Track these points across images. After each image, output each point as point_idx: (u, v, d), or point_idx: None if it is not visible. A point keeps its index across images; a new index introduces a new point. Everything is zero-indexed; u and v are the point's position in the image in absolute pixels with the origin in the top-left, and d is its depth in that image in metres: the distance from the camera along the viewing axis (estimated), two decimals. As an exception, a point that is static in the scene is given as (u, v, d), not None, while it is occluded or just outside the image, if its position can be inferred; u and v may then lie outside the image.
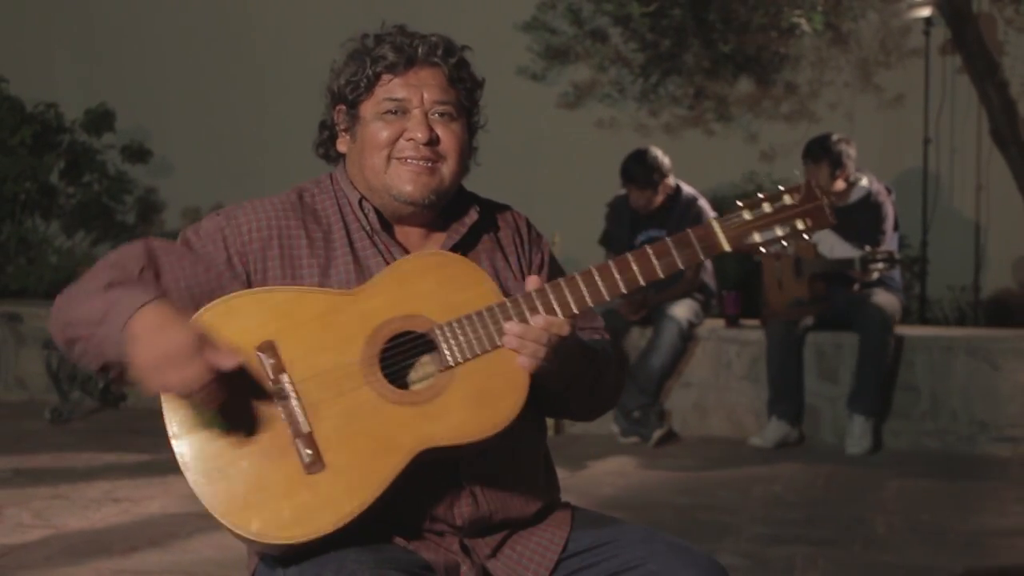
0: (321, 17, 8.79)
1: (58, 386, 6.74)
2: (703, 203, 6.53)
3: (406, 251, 2.18)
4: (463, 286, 2.06)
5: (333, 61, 2.23)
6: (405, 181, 2.14)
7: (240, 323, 2.01)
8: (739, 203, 2.11)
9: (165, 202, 9.56)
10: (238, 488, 1.95)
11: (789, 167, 7.37)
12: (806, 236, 2.12)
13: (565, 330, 2.03)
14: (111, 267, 2.07)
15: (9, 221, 8.47)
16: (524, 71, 8.99)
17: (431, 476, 2.05)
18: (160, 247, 2.12)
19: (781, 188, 2.12)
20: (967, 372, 6.16)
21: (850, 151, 6.26)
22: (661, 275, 2.07)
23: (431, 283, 2.05)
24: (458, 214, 2.23)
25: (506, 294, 2.09)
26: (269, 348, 1.99)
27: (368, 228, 2.17)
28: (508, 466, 2.12)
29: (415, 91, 2.14)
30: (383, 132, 2.14)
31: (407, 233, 2.20)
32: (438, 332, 2.02)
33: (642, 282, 2.07)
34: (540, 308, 2.04)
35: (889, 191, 6.38)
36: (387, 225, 2.19)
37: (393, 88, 2.15)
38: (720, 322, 6.67)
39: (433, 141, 2.14)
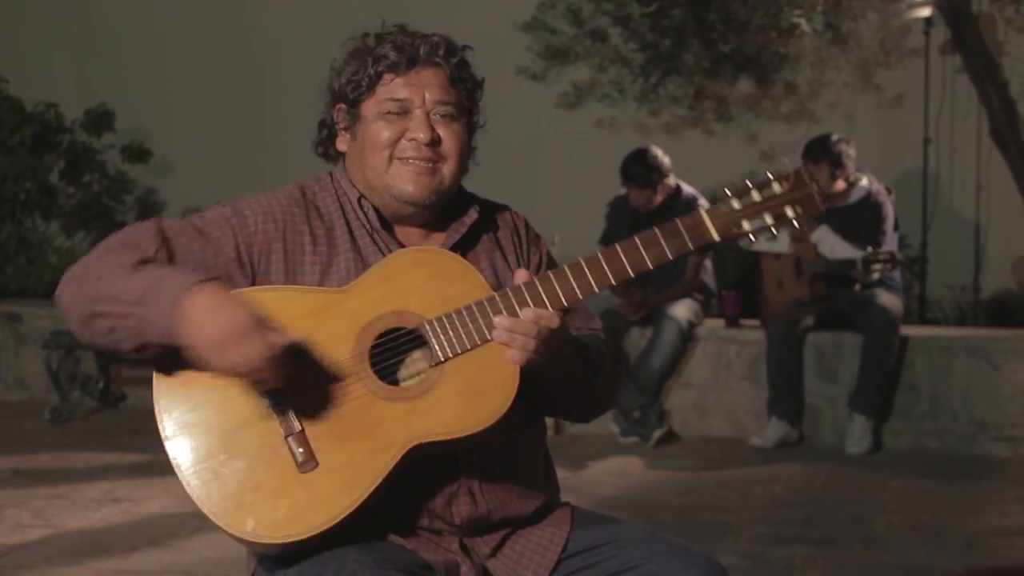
0: (321, 17, 8.80)
1: (58, 386, 6.73)
2: (703, 203, 6.53)
3: (405, 250, 2.18)
4: (452, 281, 2.06)
5: (333, 60, 2.23)
6: (406, 181, 2.14)
7: None
8: (727, 192, 2.08)
9: (165, 202, 9.55)
10: (232, 488, 1.95)
11: (789, 167, 7.35)
12: (796, 224, 2.08)
13: (555, 323, 2.02)
14: (125, 244, 2.04)
15: (9, 221, 8.46)
16: (524, 71, 8.99)
17: (429, 474, 2.05)
18: (171, 228, 2.10)
19: (770, 176, 2.09)
20: (967, 372, 6.15)
21: (850, 151, 6.26)
22: (650, 266, 2.05)
23: (420, 278, 2.05)
24: (457, 214, 2.23)
25: (504, 293, 2.09)
26: None
27: (368, 226, 2.17)
28: (507, 465, 2.12)
29: (417, 91, 2.14)
30: (385, 132, 2.14)
31: (407, 232, 2.20)
32: (428, 327, 2.02)
33: (631, 273, 2.06)
34: (529, 301, 2.03)
35: (889, 191, 6.37)
36: (387, 224, 2.18)
37: (395, 88, 2.14)
38: (720, 322, 6.67)
39: (435, 141, 2.14)
